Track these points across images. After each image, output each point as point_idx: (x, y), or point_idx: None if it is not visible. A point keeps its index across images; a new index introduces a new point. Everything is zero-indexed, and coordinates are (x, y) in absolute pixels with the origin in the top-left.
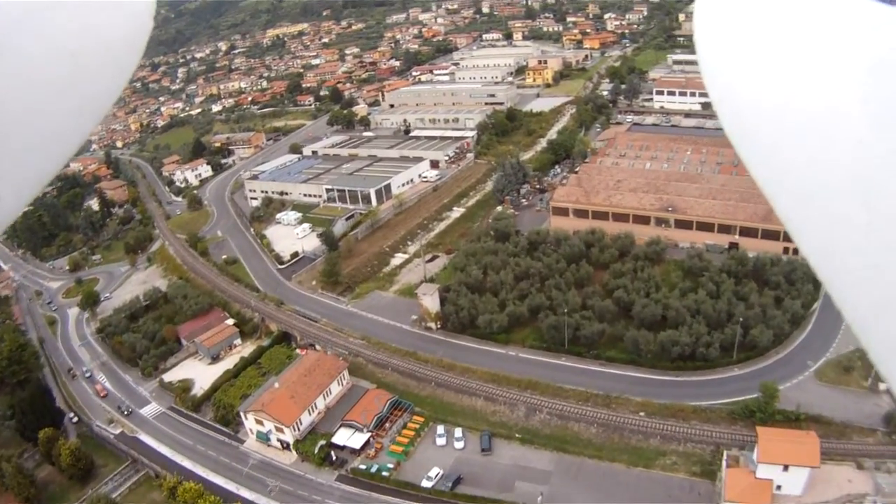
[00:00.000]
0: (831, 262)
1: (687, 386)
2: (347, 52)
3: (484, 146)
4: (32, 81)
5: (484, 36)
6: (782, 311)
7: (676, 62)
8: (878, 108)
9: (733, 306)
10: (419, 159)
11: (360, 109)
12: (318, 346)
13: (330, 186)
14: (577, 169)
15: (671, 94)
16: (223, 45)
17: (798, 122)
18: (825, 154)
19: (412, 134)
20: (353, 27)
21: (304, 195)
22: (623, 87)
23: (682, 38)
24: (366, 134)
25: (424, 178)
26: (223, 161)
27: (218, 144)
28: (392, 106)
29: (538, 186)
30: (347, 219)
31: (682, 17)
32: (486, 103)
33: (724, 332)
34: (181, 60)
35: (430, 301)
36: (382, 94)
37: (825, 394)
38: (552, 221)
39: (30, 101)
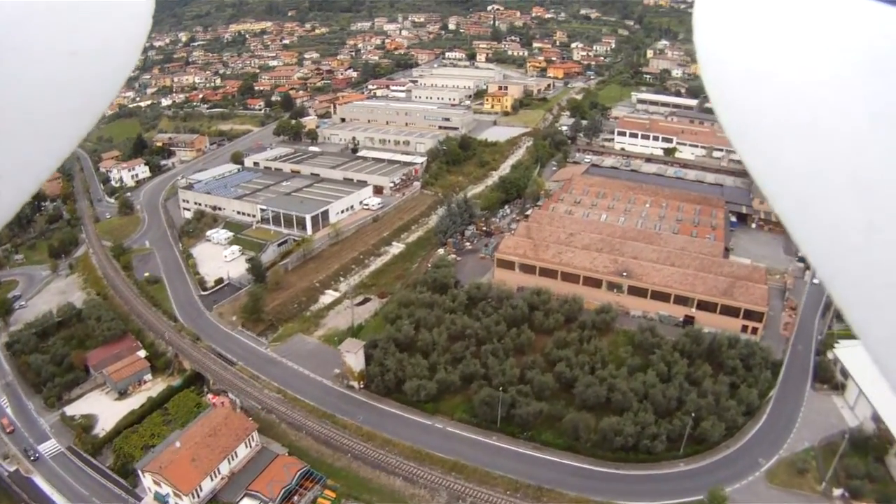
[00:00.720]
0: (831, 261)
1: (628, 481)
2: (307, 56)
3: (433, 175)
4: (31, 80)
5: (447, 54)
6: (737, 402)
7: (641, 101)
8: (877, 108)
9: (685, 393)
10: (363, 184)
11: (310, 121)
12: (230, 395)
13: (265, 206)
14: (528, 212)
15: (633, 136)
16: (184, 37)
17: (798, 121)
18: (825, 154)
19: (360, 154)
20: (317, 31)
21: (238, 212)
22: (584, 123)
23: (648, 76)
24: (312, 149)
25: (366, 205)
26: (163, 163)
27: (159, 144)
28: (343, 120)
29: (484, 229)
30: (280, 244)
31: (650, 53)
32: (441, 127)
33: (672, 422)
34: None
35: (354, 360)
36: (334, 107)
37: (776, 497)
38: (496, 274)
39: (29, 99)
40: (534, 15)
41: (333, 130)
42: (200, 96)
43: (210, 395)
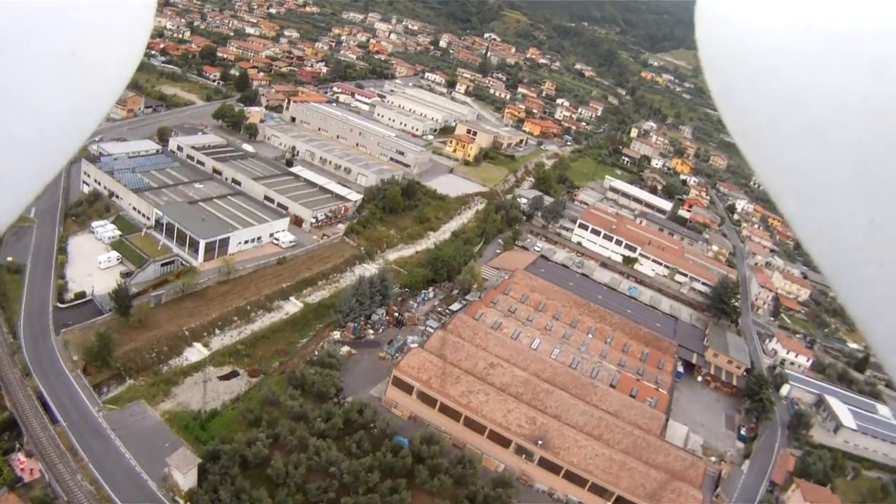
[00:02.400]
0: (835, 259)
1: None
2: (286, 33)
3: (362, 221)
4: (34, 81)
5: (427, 74)
6: None
7: (613, 189)
8: (880, 106)
9: None
10: (281, 211)
11: (255, 113)
12: (41, 466)
13: (161, 213)
14: (454, 307)
15: (595, 232)
16: None
17: (800, 119)
18: (828, 151)
19: (294, 169)
20: (308, 7)
21: (134, 209)
22: (547, 201)
23: (627, 160)
24: (245, 147)
25: (276, 240)
26: None
27: None
28: (293, 120)
29: (397, 315)
30: (164, 265)
31: (634, 132)
32: (392, 159)
33: None
34: None
35: (183, 479)
36: (289, 101)
37: None
38: (389, 392)
39: (32, 100)
40: (528, 56)
41: (276, 131)
42: (161, 46)
43: (20, 456)
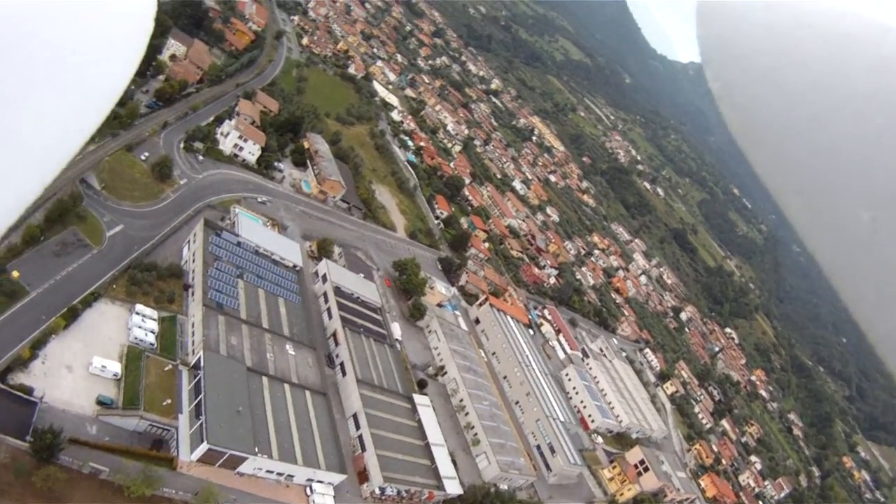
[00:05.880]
0: (836, 257)
1: None
2: (549, 209)
3: None
4: (34, 81)
5: (647, 350)
6: None
7: None
8: (880, 105)
9: None
10: (344, 457)
11: (438, 293)
12: None
13: (202, 361)
14: None
15: None
16: None
17: (801, 119)
18: (828, 151)
19: (419, 399)
20: (586, 196)
21: (192, 325)
22: None
23: None
24: (394, 328)
25: (310, 489)
26: None
27: None
28: (476, 323)
29: None
30: (153, 427)
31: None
32: (538, 447)
33: None
34: None
35: None
36: (486, 299)
37: None
38: None
39: (32, 101)
40: (752, 376)
41: (440, 331)
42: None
43: None
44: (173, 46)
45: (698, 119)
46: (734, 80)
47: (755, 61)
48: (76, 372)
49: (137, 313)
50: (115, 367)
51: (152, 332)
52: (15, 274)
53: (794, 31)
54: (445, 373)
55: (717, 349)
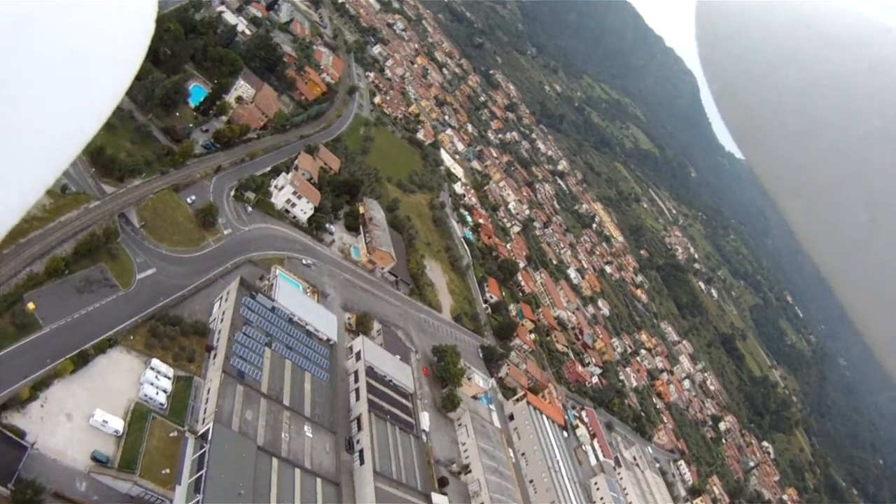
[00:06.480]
0: (834, 259)
1: None
2: (600, 302)
3: None
4: (35, 83)
5: (681, 462)
6: None
7: None
8: (880, 105)
9: None
10: None
11: (474, 385)
12: None
13: (209, 433)
14: None
15: None
16: None
17: (801, 119)
18: (828, 151)
19: (437, 499)
20: (640, 290)
21: (207, 391)
22: None
23: None
24: (423, 418)
25: None
26: None
27: None
28: (510, 419)
29: None
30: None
31: None
32: None
33: None
34: None
35: None
36: (524, 396)
37: None
38: None
39: (33, 102)
40: None
41: (471, 425)
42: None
43: None
44: (241, 88)
45: (758, 220)
46: (734, 81)
47: (754, 62)
48: (75, 422)
49: (152, 368)
50: (118, 424)
51: (164, 391)
52: (30, 305)
53: (793, 32)
54: (470, 471)
55: (752, 464)
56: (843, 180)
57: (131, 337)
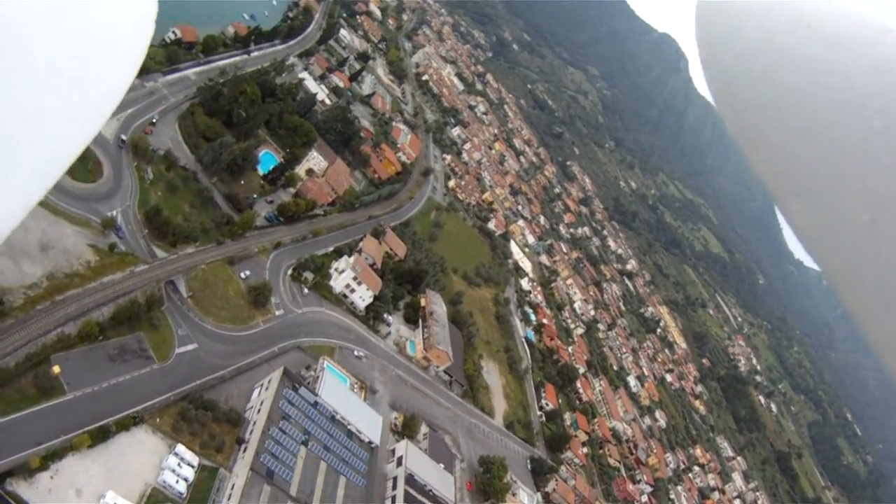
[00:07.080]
0: (835, 259)
1: None
2: (658, 412)
3: None
4: (35, 83)
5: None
6: None
7: None
8: (880, 105)
9: None
10: None
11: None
12: None
13: None
14: None
15: None
16: None
17: (801, 119)
18: (828, 151)
19: None
20: (698, 401)
21: (232, 487)
22: None
23: None
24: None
25: None
26: None
27: None
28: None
29: None
30: None
31: None
32: None
33: None
34: None
35: None
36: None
37: None
38: None
39: (33, 102)
40: None
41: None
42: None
43: None
44: (314, 160)
45: (823, 332)
46: (734, 81)
47: (755, 61)
48: (84, 500)
49: (176, 454)
50: None
51: (186, 480)
52: (56, 369)
53: (793, 32)
54: None
55: None
56: (844, 180)
57: (158, 419)
